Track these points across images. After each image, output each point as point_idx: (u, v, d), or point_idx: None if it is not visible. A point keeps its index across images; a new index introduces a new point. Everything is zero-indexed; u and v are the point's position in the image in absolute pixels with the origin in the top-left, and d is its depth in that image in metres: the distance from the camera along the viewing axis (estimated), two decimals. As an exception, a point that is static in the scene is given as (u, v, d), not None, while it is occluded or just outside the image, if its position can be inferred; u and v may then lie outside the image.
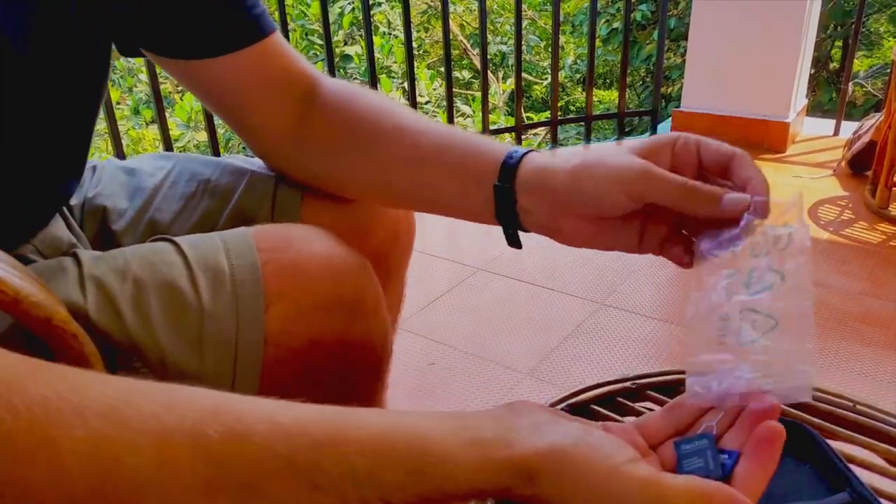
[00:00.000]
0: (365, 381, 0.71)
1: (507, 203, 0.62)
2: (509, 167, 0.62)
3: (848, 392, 0.70)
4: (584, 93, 3.80)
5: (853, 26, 2.80)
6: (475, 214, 0.67)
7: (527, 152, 0.63)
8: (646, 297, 1.80)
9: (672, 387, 0.73)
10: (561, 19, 7.17)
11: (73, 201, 0.78)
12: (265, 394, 0.65)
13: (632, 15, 5.82)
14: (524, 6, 6.93)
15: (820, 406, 0.69)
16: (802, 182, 2.44)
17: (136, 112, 5.66)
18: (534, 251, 2.05)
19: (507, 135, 5.28)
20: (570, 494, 0.43)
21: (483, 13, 2.79)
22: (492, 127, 2.98)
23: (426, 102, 5.86)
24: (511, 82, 6.55)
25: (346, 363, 0.69)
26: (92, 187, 0.80)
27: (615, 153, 0.57)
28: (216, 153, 2.47)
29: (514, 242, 0.67)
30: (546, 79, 7.38)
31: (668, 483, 0.42)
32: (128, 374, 0.59)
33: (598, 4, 6.23)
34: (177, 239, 0.65)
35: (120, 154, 2.24)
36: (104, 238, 0.77)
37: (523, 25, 6.59)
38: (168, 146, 2.40)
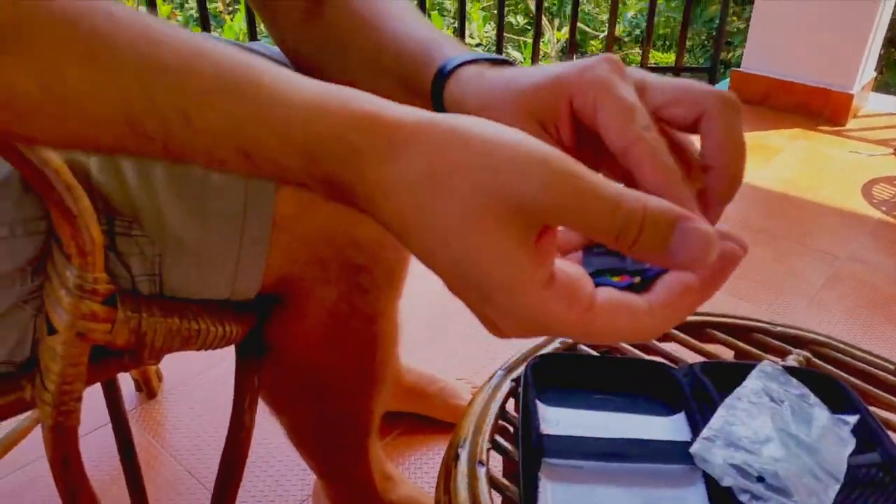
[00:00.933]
0: (376, 283, 0.68)
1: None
2: (438, 88, 0.48)
3: (890, 354, 0.65)
4: (641, 51, 3.67)
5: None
6: None
7: (451, 71, 0.47)
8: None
9: (698, 327, 0.68)
10: (626, -29, 6.90)
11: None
12: (270, 277, 0.63)
13: (700, -28, 5.59)
14: (589, -46, 6.68)
15: (858, 365, 0.64)
16: (859, 158, 2.32)
17: (186, 28, 5.61)
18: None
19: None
20: (441, 175, 0.30)
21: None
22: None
23: (477, 45, 5.72)
24: (566, 31, 6.36)
25: (356, 262, 0.66)
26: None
27: (507, 109, 0.42)
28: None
29: None
30: (603, 32, 7.15)
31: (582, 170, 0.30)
32: (124, 240, 0.56)
33: (666, -41, 5.97)
34: None
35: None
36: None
37: (586, -27, 6.30)
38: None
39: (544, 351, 0.64)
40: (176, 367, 1.25)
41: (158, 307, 0.58)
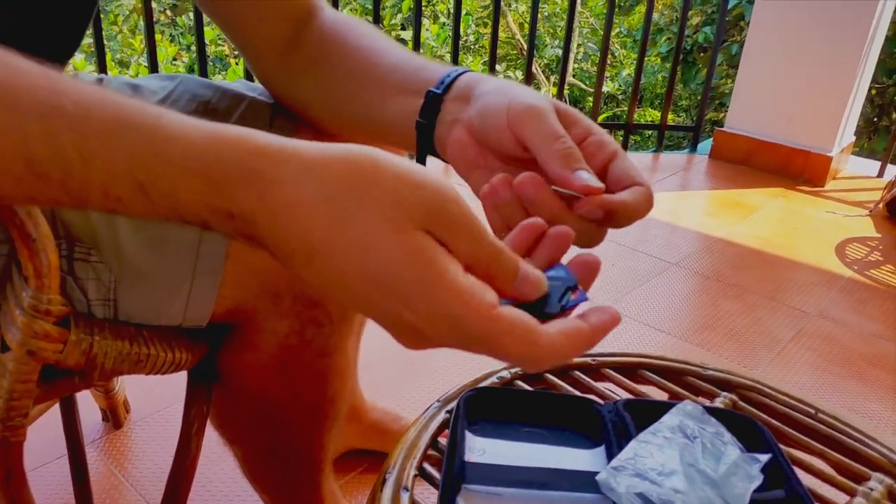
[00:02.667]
0: (330, 317, 0.70)
1: (432, 107, 0.57)
2: (451, 79, 0.57)
3: (813, 400, 0.68)
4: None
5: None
6: (394, 125, 0.61)
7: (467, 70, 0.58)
8: (645, 304, 1.78)
9: (632, 369, 0.71)
10: (623, 32, 7.08)
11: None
12: (222, 307, 0.66)
13: (695, 36, 5.74)
14: (588, 14, 6.86)
15: (779, 408, 0.67)
16: (835, 218, 2.38)
17: (191, 70, 5.75)
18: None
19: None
20: (359, 189, 0.34)
21: (534, 16, 2.86)
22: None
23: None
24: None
25: (310, 295, 0.68)
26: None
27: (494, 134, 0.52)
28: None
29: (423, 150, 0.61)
30: (599, 90, 7.28)
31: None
32: (82, 265, 0.59)
33: (664, 21, 6.14)
34: None
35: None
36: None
37: (584, 33, 6.50)
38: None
39: (482, 385, 0.67)
40: (144, 399, 1.27)
41: (111, 331, 0.61)
